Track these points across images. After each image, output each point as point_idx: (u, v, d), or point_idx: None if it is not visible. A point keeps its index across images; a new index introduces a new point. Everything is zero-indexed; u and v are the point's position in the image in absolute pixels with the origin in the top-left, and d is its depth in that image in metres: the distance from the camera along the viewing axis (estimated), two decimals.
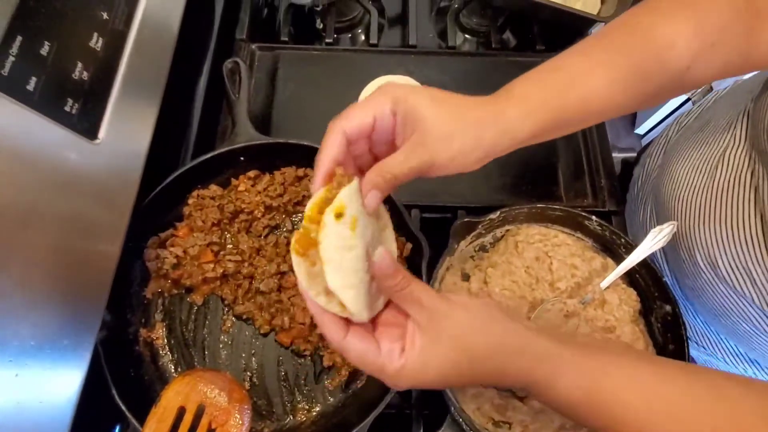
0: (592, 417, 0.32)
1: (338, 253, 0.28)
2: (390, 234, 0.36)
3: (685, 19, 0.36)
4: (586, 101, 0.36)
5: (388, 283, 0.30)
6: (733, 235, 0.44)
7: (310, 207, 0.30)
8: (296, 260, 0.30)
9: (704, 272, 0.48)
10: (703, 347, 0.59)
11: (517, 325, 0.32)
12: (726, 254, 0.45)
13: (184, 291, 0.52)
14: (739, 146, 0.46)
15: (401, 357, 0.30)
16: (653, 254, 0.57)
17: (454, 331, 0.31)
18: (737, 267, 0.45)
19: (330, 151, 0.32)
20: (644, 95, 0.38)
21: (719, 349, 0.58)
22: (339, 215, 0.28)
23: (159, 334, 0.51)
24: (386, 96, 0.33)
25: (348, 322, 0.31)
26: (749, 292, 0.45)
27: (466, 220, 0.52)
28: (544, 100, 0.35)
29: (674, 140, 0.61)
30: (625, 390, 0.31)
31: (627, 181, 0.70)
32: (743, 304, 0.47)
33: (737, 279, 0.45)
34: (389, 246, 0.35)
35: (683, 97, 1.49)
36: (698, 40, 0.36)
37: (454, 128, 0.33)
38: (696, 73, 0.37)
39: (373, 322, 0.33)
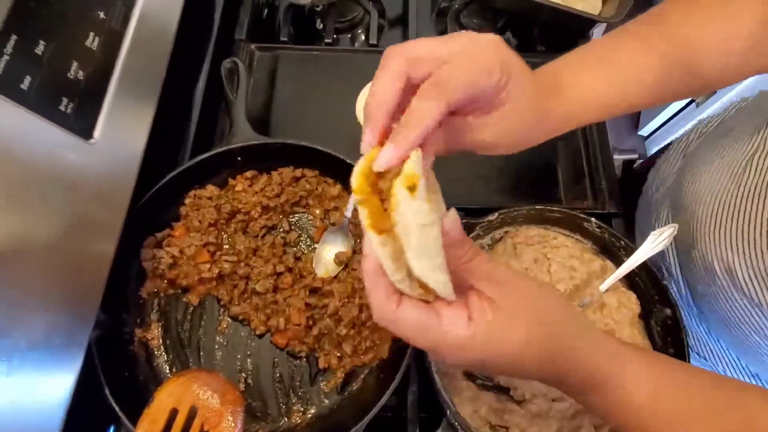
0: (652, 422, 0.30)
1: (419, 232, 0.24)
2: (442, 202, 0.30)
3: (722, 20, 0.36)
4: (633, 97, 0.36)
5: (455, 252, 0.26)
6: (755, 242, 0.42)
7: (356, 177, 0.25)
8: (378, 239, 0.25)
9: (720, 279, 0.47)
10: (704, 358, 0.58)
11: (587, 318, 0.32)
12: (745, 262, 0.44)
13: (180, 291, 0.52)
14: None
15: (469, 326, 0.26)
16: (665, 258, 0.57)
17: (536, 304, 0.28)
18: (756, 276, 0.43)
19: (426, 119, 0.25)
20: (680, 94, 0.39)
21: (721, 360, 0.56)
22: (412, 188, 0.24)
23: (154, 334, 0.50)
24: (490, 57, 0.27)
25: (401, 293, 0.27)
26: (767, 302, 0.43)
27: (463, 221, 0.52)
28: (591, 97, 0.35)
29: (695, 146, 0.60)
30: (683, 396, 0.30)
31: (628, 182, 0.70)
32: (758, 315, 0.45)
33: (755, 288, 0.43)
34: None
35: (687, 99, 1.48)
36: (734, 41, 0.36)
37: (543, 112, 0.32)
38: (728, 74, 0.38)
39: None
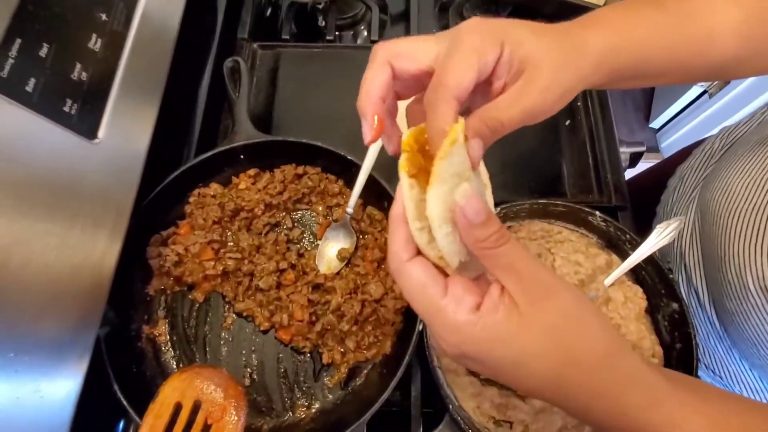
0: None
1: (452, 178, 0.24)
2: (489, 196, 0.29)
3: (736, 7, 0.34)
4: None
5: (476, 234, 0.23)
6: None
7: (406, 135, 0.26)
8: (407, 180, 0.25)
9: (753, 296, 0.44)
10: (720, 377, 0.55)
11: (630, 348, 0.26)
12: None
13: (186, 288, 0.53)
14: None
15: (473, 313, 0.24)
16: (689, 275, 0.54)
17: (557, 318, 0.24)
18: None
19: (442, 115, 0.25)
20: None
21: (738, 381, 0.54)
22: (453, 141, 0.24)
23: (161, 330, 0.51)
24: (488, 38, 0.27)
25: (418, 250, 0.26)
26: None
27: None
28: (629, 38, 0.31)
29: (724, 153, 0.57)
30: None
31: (633, 174, 0.67)
32: None
33: None
34: (485, 179, 0.30)
35: (699, 90, 1.45)
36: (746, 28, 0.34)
37: (562, 62, 0.28)
38: (744, 67, 0.36)
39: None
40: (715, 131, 0.63)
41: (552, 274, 0.25)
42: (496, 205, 0.53)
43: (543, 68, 0.28)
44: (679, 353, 0.47)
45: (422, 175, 0.25)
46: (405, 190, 0.25)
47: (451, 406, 0.44)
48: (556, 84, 0.28)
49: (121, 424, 0.51)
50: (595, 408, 0.25)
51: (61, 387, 0.37)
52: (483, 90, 0.30)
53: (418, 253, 0.26)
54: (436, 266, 0.26)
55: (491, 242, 0.23)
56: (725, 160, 0.54)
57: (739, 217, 0.45)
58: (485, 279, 0.27)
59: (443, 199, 0.24)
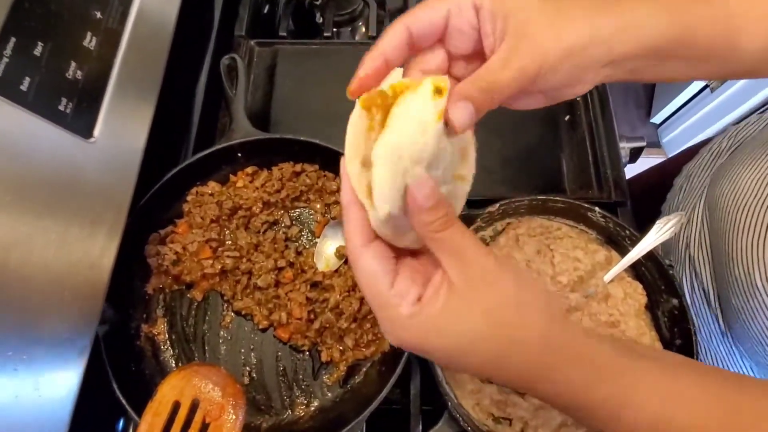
0: None
1: (408, 124, 0.22)
2: (471, 159, 0.28)
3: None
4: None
5: (423, 218, 0.23)
6: None
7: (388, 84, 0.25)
8: (357, 111, 0.24)
9: (761, 293, 0.43)
10: None
11: (576, 326, 0.26)
12: None
13: (184, 287, 0.53)
14: None
15: (415, 305, 0.24)
16: (698, 273, 0.53)
17: (496, 302, 0.24)
18: None
19: (384, 44, 0.25)
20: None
21: None
22: (438, 91, 0.22)
23: (160, 329, 0.51)
24: None
25: (376, 236, 0.25)
26: None
27: (463, 213, 0.52)
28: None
29: (732, 150, 0.56)
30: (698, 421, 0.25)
31: (637, 173, 0.67)
32: None
33: None
34: (466, 172, 0.28)
35: (701, 84, 1.44)
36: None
37: (560, 14, 0.25)
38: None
39: (396, 257, 0.26)
40: (718, 127, 0.63)
41: (494, 259, 0.25)
42: (496, 200, 0.52)
43: (533, 20, 0.25)
44: (679, 349, 0.47)
45: (380, 109, 0.24)
46: (353, 118, 0.24)
47: (450, 404, 0.44)
48: (554, 38, 0.25)
49: (121, 423, 0.51)
50: (540, 388, 0.26)
51: (60, 386, 0.37)
52: (480, 60, 0.27)
53: (378, 237, 0.26)
54: (392, 248, 0.25)
55: (437, 226, 0.23)
56: (734, 157, 0.53)
57: (747, 212, 0.45)
58: (434, 261, 0.26)
59: (394, 143, 0.23)
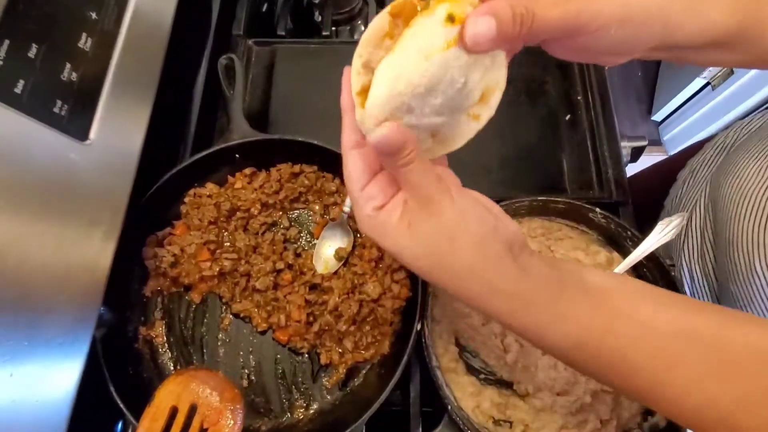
0: (589, 365, 0.28)
1: (413, 49, 0.23)
2: (492, 102, 0.27)
3: None
4: None
5: (391, 160, 0.25)
6: None
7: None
8: (382, 14, 0.24)
9: (760, 277, 0.44)
10: None
11: (509, 262, 0.27)
12: None
13: (182, 289, 0.53)
14: None
15: (375, 211, 0.28)
16: (703, 265, 0.54)
17: (433, 231, 0.27)
18: None
19: None
20: None
21: None
22: (450, 19, 0.22)
23: (158, 332, 0.51)
24: None
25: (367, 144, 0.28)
26: None
27: None
28: None
29: (738, 142, 0.57)
30: (631, 348, 0.27)
31: (639, 170, 0.67)
32: None
33: None
34: (482, 113, 0.28)
35: (702, 82, 1.44)
36: None
37: None
38: None
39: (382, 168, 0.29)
40: (719, 125, 0.63)
41: (442, 193, 0.27)
42: (496, 201, 0.52)
43: None
44: None
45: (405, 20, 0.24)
46: (375, 20, 0.25)
47: (450, 406, 0.43)
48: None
49: (119, 426, 0.51)
50: (473, 305, 0.29)
51: (57, 389, 0.37)
52: None
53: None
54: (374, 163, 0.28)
55: (405, 160, 0.26)
56: (739, 148, 0.54)
57: (750, 198, 0.45)
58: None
59: (399, 63, 0.23)
